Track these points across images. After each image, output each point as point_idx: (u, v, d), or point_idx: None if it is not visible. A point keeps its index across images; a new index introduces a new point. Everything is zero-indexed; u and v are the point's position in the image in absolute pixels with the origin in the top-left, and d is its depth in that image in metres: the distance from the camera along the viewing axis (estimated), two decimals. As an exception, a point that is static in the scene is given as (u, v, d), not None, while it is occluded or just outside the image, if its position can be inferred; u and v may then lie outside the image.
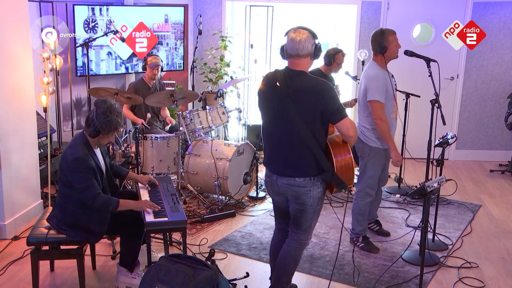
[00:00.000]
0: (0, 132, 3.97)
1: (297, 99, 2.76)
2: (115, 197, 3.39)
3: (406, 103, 5.35)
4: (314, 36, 2.79)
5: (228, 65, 6.76)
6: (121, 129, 3.22)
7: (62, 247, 3.22)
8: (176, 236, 4.04)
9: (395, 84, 4.04)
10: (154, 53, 6.05)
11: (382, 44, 3.82)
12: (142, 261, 3.44)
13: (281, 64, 2.93)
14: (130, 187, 4.84)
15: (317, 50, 2.80)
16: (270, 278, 3.28)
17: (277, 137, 2.89)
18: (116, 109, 3.12)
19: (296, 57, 2.79)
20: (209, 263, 2.92)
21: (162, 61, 5.63)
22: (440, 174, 3.78)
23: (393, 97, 3.90)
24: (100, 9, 5.80)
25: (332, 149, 2.86)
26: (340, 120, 2.75)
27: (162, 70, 5.61)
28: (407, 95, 5.34)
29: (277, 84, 2.81)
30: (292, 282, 3.29)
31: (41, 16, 5.45)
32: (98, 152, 3.25)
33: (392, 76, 4.00)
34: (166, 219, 3.08)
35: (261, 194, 5.21)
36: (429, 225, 3.45)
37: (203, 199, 4.94)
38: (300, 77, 2.81)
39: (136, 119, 5.30)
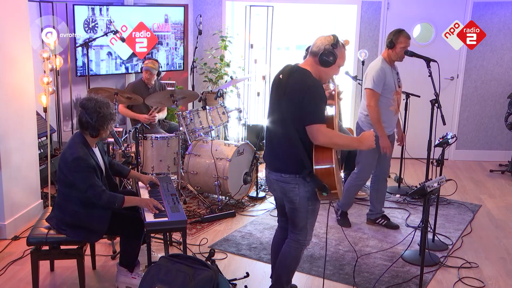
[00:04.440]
0: (0, 132, 3.97)
1: (288, 94, 2.77)
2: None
3: (406, 103, 5.36)
4: (333, 44, 2.77)
5: (228, 65, 6.76)
6: (116, 119, 3.23)
7: (62, 247, 3.22)
8: (176, 236, 4.04)
9: (399, 81, 4.25)
10: (153, 57, 6.04)
11: (392, 40, 4.12)
12: (142, 261, 3.44)
13: (281, 64, 2.96)
14: (130, 187, 4.85)
15: (322, 53, 2.76)
16: (271, 277, 3.28)
17: (271, 131, 2.93)
18: (103, 102, 3.14)
19: (309, 53, 2.85)
20: (209, 263, 2.92)
21: (160, 66, 5.63)
22: (440, 174, 3.78)
23: (394, 92, 4.14)
24: (100, 9, 5.80)
25: (315, 152, 2.77)
26: (309, 124, 2.71)
27: (158, 75, 5.55)
28: (407, 95, 5.34)
29: (280, 76, 2.85)
30: (292, 283, 3.29)
31: (41, 16, 5.45)
32: (96, 151, 3.26)
33: (397, 73, 4.24)
34: (166, 219, 3.08)
35: (261, 194, 5.20)
36: (429, 225, 3.45)
37: (203, 199, 4.94)
38: (298, 74, 2.81)
39: (138, 115, 5.33)
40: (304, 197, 2.86)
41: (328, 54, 2.75)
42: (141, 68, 5.50)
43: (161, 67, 5.66)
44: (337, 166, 2.81)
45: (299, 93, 2.73)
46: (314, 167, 2.75)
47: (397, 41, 4.09)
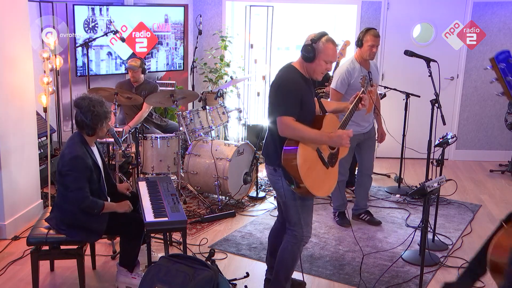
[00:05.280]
0: (0, 132, 3.97)
1: (269, 90, 2.97)
2: (113, 196, 3.41)
3: (406, 103, 5.35)
4: (313, 39, 2.85)
5: (228, 65, 6.76)
6: (112, 116, 3.25)
7: (62, 247, 3.22)
8: (176, 236, 4.04)
9: (371, 80, 4.21)
10: (136, 56, 5.89)
11: (360, 38, 4.15)
12: (142, 261, 3.44)
13: (281, 64, 3.04)
14: (129, 183, 4.84)
15: (302, 48, 2.88)
16: (266, 271, 3.37)
17: (267, 126, 3.07)
18: (97, 101, 3.16)
19: None
20: (209, 263, 2.92)
21: (145, 63, 5.57)
22: (440, 174, 3.78)
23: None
24: (100, 9, 5.80)
25: (284, 144, 2.87)
26: (277, 116, 2.81)
27: (144, 72, 5.45)
28: (407, 95, 5.34)
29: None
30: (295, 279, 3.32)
31: (41, 16, 5.44)
32: (95, 149, 3.28)
33: (370, 72, 4.17)
34: (166, 219, 3.09)
35: (261, 194, 5.20)
36: (429, 225, 3.45)
37: (203, 199, 4.94)
38: (282, 71, 2.97)
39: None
40: (289, 190, 2.92)
41: (306, 50, 2.85)
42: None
43: (145, 63, 5.58)
44: (308, 162, 2.84)
45: (272, 88, 2.91)
46: (282, 153, 2.85)
47: (364, 39, 4.11)
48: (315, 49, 2.83)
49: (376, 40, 4.11)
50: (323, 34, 2.86)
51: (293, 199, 2.94)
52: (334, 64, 4.36)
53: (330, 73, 4.85)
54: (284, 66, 2.99)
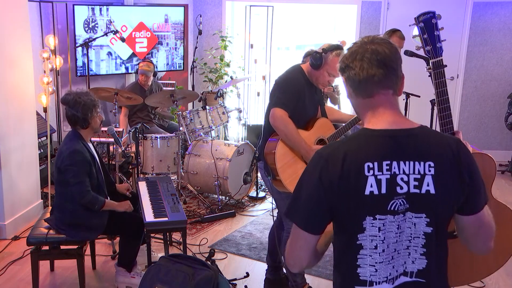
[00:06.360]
0: (0, 132, 3.97)
1: (273, 86, 3.00)
2: (113, 195, 3.41)
3: (406, 103, 5.35)
4: (325, 50, 2.84)
5: (228, 65, 6.76)
6: (100, 105, 3.27)
7: (62, 247, 3.22)
8: (176, 236, 4.04)
9: None
10: (149, 59, 5.98)
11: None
12: (142, 261, 3.44)
13: (281, 64, 3.03)
14: (128, 182, 4.83)
15: (312, 54, 2.87)
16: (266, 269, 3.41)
17: None
18: (82, 92, 3.21)
19: None
20: (209, 263, 2.92)
21: (156, 66, 5.62)
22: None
23: None
24: (100, 9, 5.80)
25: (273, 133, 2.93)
26: (270, 108, 2.83)
27: (155, 76, 5.55)
28: (407, 95, 5.33)
29: None
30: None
31: (41, 16, 5.45)
32: (91, 145, 3.31)
33: None
34: (166, 219, 3.08)
35: (261, 194, 5.20)
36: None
37: (203, 199, 4.94)
38: (288, 68, 2.98)
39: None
40: (272, 183, 2.97)
41: (315, 57, 2.84)
42: (137, 71, 5.49)
43: (156, 67, 5.63)
44: (288, 157, 2.88)
45: (274, 84, 2.93)
46: (265, 148, 2.93)
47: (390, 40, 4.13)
48: (323, 58, 2.82)
49: (402, 43, 4.11)
50: (337, 48, 2.85)
51: (279, 192, 2.99)
52: None
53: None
54: (292, 66, 3.00)
